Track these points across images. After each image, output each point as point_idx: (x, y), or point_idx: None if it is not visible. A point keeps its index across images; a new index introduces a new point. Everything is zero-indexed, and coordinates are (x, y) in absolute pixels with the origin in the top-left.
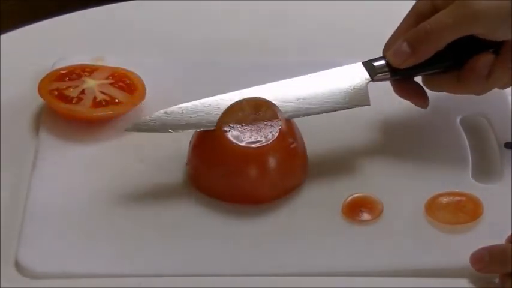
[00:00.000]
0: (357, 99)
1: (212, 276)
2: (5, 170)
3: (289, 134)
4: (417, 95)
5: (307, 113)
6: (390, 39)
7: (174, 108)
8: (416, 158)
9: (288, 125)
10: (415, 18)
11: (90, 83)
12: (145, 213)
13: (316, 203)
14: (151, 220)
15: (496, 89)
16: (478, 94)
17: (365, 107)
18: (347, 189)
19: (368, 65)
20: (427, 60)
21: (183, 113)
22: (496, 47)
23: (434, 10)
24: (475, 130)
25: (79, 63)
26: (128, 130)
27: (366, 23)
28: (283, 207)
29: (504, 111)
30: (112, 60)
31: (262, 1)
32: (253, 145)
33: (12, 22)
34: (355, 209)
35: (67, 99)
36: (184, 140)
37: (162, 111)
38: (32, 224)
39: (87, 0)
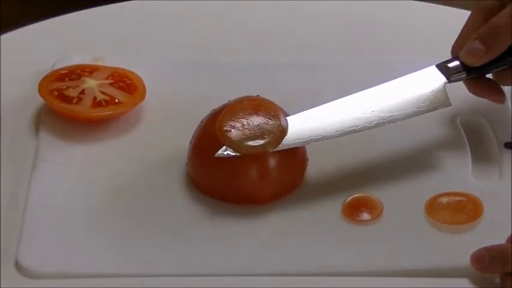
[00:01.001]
0: (437, 101)
1: (212, 276)
2: (5, 170)
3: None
4: (493, 91)
5: (391, 120)
6: (457, 39)
7: None
8: (416, 157)
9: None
10: (482, 15)
11: (90, 83)
12: (145, 213)
13: (316, 203)
14: (151, 220)
15: None
16: None
17: None
18: (347, 189)
19: (443, 67)
20: (500, 55)
21: None
22: None
23: (501, 5)
24: (475, 130)
25: (79, 63)
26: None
27: (372, 22)
28: (283, 207)
29: (504, 111)
30: (112, 60)
31: (263, 1)
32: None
33: (12, 22)
34: (355, 209)
35: (67, 99)
36: (184, 139)
37: None
38: (32, 224)
39: (87, 0)
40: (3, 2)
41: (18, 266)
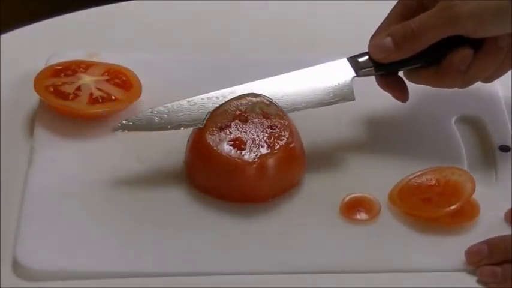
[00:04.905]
0: (341, 95)
1: (210, 275)
2: (1, 167)
3: (287, 133)
4: (398, 89)
5: (291, 109)
6: (376, 32)
7: (160, 107)
8: (412, 159)
9: (287, 123)
10: (402, 12)
11: (86, 79)
12: (142, 211)
13: (314, 202)
14: (149, 218)
15: (490, 91)
16: (459, 87)
17: (364, 108)
18: (345, 188)
19: (353, 60)
20: (410, 56)
21: (169, 112)
22: (476, 42)
23: (421, 6)
24: (470, 132)
25: (73, 58)
26: (114, 130)
27: (359, 21)
28: (281, 206)
29: (499, 113)
30: (107, 56)
31: (260, 1)
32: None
33: (12, 22)
34: (353, 208)
35: (63, 96)
36: (181, 137)
37: (148, 110)
38: (30, 221)
39: (86, 1)
40: (3, 2)
41: (16, 265)
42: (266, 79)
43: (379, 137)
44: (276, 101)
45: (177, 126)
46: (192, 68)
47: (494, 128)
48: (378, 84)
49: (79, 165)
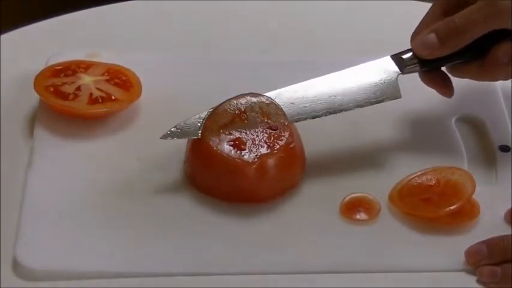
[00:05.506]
0: (387, 92)
1: (210, 275)
2: (1, 167)
3: (287, 133)
4: (443, 85)
5: (339, 109)
6: (417, 28)
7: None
8: (411, 159)
9: (287, 123)
10: (441, 9)
11: (86, 79)
12: (143, 211)
13: (314, 202)
14: (149, 218)
15: (490, 91)
16: (503, 80)
17: (363, 108)
18: (345, 188)
19: (397, 57)
20: (454, 51)
21: None
22: None
23: (461, 2)
24: (470, 132)
25: (73, 58)
26: (163, 138)
27: (371, 22)
28: (281, 206)
29: (499, 113)
30: (107, 56)
31: (261, 1)
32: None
33: (12, 22)
34: (353, 208)
35: (63, 96)
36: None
37: (196, 116)
38: (29, 222)
39: (86, 1)
40: (3, 2)
41: (16, 265)
42: (311, 80)
43: (379, 137)
44: (323, 101)
45: None
46: (192, 68)
47: (494, 128)
48: (422, 80)
49: (79, 165)
